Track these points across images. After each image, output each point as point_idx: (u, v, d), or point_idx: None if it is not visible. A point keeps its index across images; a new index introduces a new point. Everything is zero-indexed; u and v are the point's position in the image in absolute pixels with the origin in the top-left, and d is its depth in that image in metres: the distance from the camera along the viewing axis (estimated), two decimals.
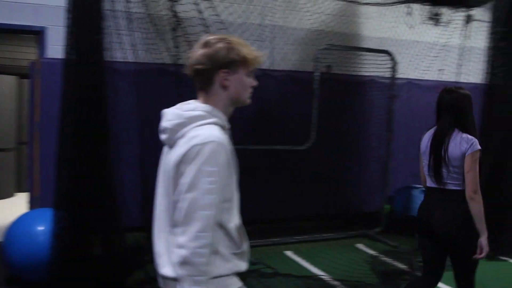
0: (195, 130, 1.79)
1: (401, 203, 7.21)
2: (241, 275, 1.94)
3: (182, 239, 1.72)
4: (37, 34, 5.96)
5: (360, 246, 6.29)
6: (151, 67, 5.92)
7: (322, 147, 6.88)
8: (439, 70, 7.57)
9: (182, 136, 1.81)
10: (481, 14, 7.05)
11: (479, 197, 3.08)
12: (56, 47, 5.58)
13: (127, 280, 4.72)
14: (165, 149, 1.94)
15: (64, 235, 4.19)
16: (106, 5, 4.67)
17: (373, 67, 7.10)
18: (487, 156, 6.00)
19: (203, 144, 1.73)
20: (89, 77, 4.40)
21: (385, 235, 6.61)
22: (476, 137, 3.16)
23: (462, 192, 3.14)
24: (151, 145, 5.97)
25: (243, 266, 1.93)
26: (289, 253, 5.85)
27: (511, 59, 6.30)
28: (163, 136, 1.90)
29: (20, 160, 8.64)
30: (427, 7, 7.46)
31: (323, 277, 5.08)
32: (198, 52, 1.87)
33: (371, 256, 5.88)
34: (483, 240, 3.09)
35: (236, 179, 1.93)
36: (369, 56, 7.11)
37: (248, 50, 1.88)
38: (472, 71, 7.53)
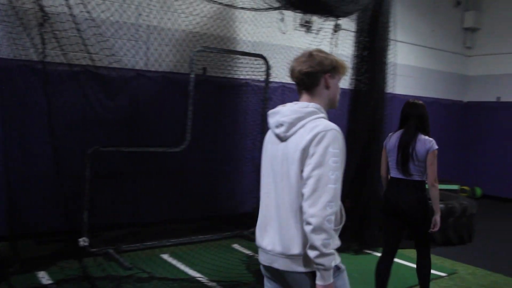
0: (313, 121, 2.17)
1: None
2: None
3: (312, 210, 2.02)
4: None
5: (236, 246, 6.37)
6: (16, 63, 5.52)
7: (198, 149, 6.88)
8: None
9: (301, 127, 2.18)
10: (348, 24, 7.51)
11: (437, 185, 4.02)
12: None
13: None
14: (270, 144, 2.33)
15: None
16: None
17: (247, 71, 7.25)
18: (353, 155, 6.40)
19: (326, 131, 2.10)
20: None
21: None
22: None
23: (423, 182, 4.07)
24: (17, 145, 5.62)
25: (339, 242, 2.19)
26: (165, 257, 5.75)
27: (374, 67, 6.76)
28: (277, 130, 2.25)
29: None
30: (299, 14, 7.80)
31: (199, 279, 5.06)
32: (305, 61, 2.27)
33: (247, 255, 5.98)
34: (437, 217, 4.04)
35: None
36: (244, 59, 7.24)
37: (342, 61, 2.33)
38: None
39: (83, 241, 5.38)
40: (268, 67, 6.93)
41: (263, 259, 2.32)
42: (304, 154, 2.11)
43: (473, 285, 5.40)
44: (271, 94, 7.40)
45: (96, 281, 4.74)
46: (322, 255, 2.01)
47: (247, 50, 7.24)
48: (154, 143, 6.43)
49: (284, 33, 7.61)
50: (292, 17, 7.96)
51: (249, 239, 6.63)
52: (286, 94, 7.88)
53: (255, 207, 7.21)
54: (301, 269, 2.15)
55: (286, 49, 7.81)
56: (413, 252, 4.38)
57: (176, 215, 7.00)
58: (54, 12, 5.30)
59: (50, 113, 5.38)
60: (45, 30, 5.09)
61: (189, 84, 6.05)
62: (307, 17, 8.12)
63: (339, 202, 2.13)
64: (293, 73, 2.32)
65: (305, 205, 2.05)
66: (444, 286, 5.33)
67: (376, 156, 6.61)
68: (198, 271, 5.27)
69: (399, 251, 4.35)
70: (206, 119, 7.03)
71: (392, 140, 4.23)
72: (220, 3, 6.50)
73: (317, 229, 2.00)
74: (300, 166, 2.12)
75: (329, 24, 7.51)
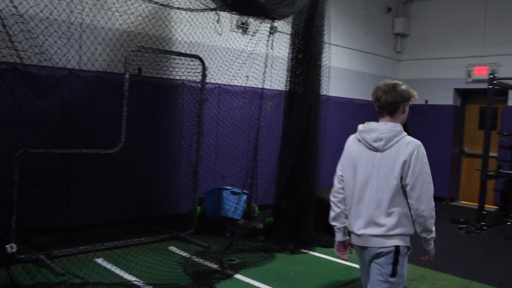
0: (404, 138, 2.98)
1: (211, 204, 7.42)
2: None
3: (423, 206, 2.92)
4: None
5: (173, 248, 6.31)
6: None
7: (133, 150, 6.77)
8: (246, 76, 7.98)
9: (396, 142, 2.97)
10: (284, 26, 7.63)
11: None
12: None
13: None
14: (365, 154, 3.07)
15: None
16: None
17: (183, 71, 7.21)
18: (289, 155, 6.49)
19: (418, 146, 2.95)
20: None
21: (196, 236, 6.72)
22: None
23: None
24: None
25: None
26: (99, 261, 5.61)
27: (308, 69, 6.90)
28: (376, 144, 3.01)
29: None
30: (236, 16, 7.84)
31: (135, 282, 4.98)
32: (390, 92, 3.02)
33: (184, 257, 5.93)
34: None
35: None
36: (180, 60, 7.19)
37: (414, 92, 3.12)
38: (275, 79, 8.09)
39: (10, 248, 5.15)
40: (204, 68, 6.92)
41: (356, 241, 3.13)
42: (405, 164, 2.92)
43: None
44: (207, 95, 7.39)
45: None
46: (433, 233, 3.01)
47: (183, 51, 7.19)
48: (88, 145, 6.24)
49: (220, 34, 7.61)
50: (228, 18, 7.98)
51: (186, 240, 6.59)
52: (222, 95, 7.89)
53: (191, 208, 7.19)
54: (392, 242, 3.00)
55: (223, 50, 7.82)
56: None
57: (110, 218, 6.85)
58: None
59: None
60: None
61: (124, 84, 5.93)
62: (243, 19, 8.17)
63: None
64: (379, 100, 3.06)
65: (416, 203, 2.91)
66: None
67: (311, 156, 6.76)
68: (134, 275, 5.18)
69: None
70: (141, 120, 6.92)
71: None
72: (156, 3, 6.41)
73: (429, 218, 2.95)
74: (400, 172, 2.93)
75: (265, 26, 7.61)
